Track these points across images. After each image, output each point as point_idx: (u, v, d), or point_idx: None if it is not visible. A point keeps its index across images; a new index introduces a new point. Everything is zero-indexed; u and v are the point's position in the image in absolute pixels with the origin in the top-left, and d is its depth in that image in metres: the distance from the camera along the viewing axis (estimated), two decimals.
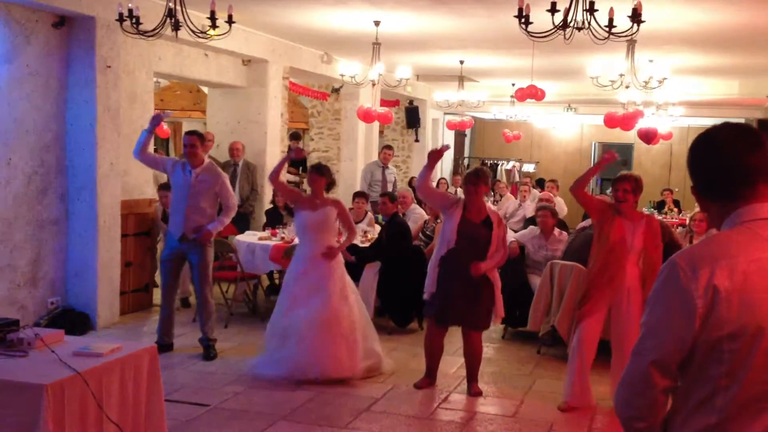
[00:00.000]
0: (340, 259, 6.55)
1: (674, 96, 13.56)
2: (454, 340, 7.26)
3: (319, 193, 6.52)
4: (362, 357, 6.41)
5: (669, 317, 1.82)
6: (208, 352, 6.91)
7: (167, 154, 16.26)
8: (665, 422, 1.91)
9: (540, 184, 14.86)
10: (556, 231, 8.07)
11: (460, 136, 21.74)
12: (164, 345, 6.90)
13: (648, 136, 12.42)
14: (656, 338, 1.84)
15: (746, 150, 1.88)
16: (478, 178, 6.05)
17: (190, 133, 7.01)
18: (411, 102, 17.55)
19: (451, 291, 6.02)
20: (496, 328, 8.07)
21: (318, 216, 6.40)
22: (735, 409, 1.78)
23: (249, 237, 8.96)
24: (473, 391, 6.18)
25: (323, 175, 6.52)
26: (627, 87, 8.92)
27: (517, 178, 19.46)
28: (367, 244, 8.47)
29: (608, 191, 19.66)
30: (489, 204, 6.91)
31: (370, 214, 9.63)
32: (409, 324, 8.22)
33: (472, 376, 6.26)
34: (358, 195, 9.58)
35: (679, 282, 1.79)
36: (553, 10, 5.09)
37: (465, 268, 5.94)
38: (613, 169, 23.02)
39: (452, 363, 6.97)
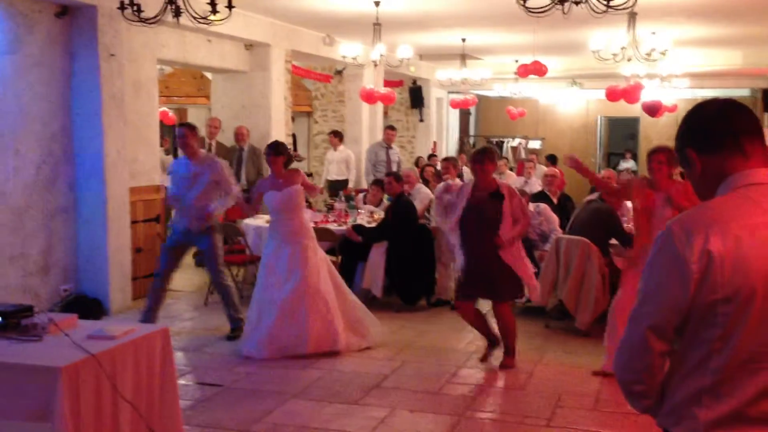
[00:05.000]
0: (313, 234, 6.71)
1: (678, 68, 13.52)
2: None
3: (279, 172, 6.61)
4: (344, 329, 6.54)
5: (665, 283, 1.87)
6: (232, 331, 7.02)
7: (173, 141, 16.33)
8: (663, 385, 1.97)
9: (551, 159, 14.84)
10: (531, 206, 8.14)
11: (464, 115, 21.72)
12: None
13: (652, 109, 12.41)
14: (653, 304, 1.90)
15: (733, 109, 1.98)
16: (484, 156, 6.12)
17: (181, 125, 7.06)
18: (414, 82, 17.54)
19: (467, 267, 6.15)
20: None
21: (285, 195, 6.53)
22: (728, 371, 1.84)
23: (257, 220, 9.03)
24: (504, 363, 6.26)
25: (281, 154, 6.61)
26: (629, 60, 8.91)
27: (523, 155, 19.45)
28: (373, 224, 8.54)
29: (619, 166, 19.65)
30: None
31: (386, 203, 9.70)
32: (417, 302, 8.29)
33: (505, 347, 6.33)
34: (375, 183, 9.66)
35: (674, 248, 1.85)
36: None
37: (474, 243, 6.05)
38: (620, 143, 23.03)
39: (461, 339, 7.06)
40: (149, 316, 6.97)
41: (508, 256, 6.07)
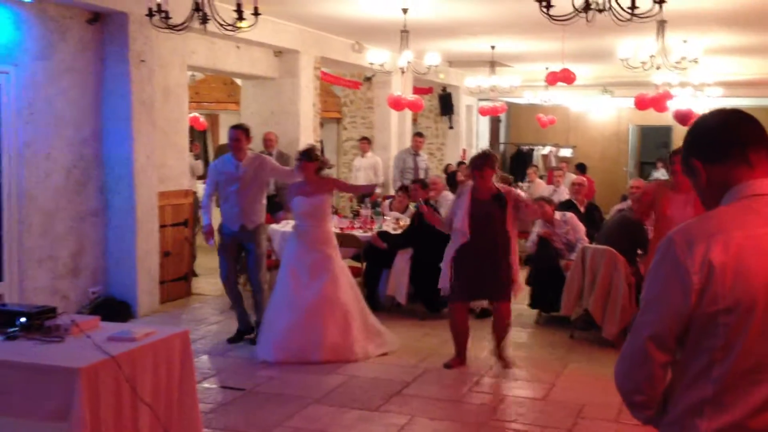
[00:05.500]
0: (336, 244, 6.74)
1: (710, 76, 13.36)
2: (484, 324, 7.32)
3: (311, 178, 6.62)
4: (362, 338, 6.58)
5: (666, 293, 1.86)
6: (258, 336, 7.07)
7: (204, 146, 16.49)
8: (665, 395, 1.95)
9: (580, 168, 14.74)
10: (558, 214, 8.12)
11: (495, 122, 21.65)
12: (247, 329, 7.15)
13: (684, 118, 12.28)
14: (654, 313, 1.88)
15: (739, 119, 1.97)
16: (484, 162, 6.18)
17: (235, 127, 7.09)
18: (444, 89, 17.53)
19: (465, 269, 6.19)
20: (530, 313, 8.11)
21: (313, 202, 6.57)
22: (730, 381, 1.82)
23: (284, 226, 9.08)
24: (506, 365, 6.33)
25: (312, 160, 6.63)
26: (658, 68, 8.84)
27: (553, 163, 19.33)
28: (399, 231, 8.55)
29: (651, 176, 19.44)
30: (519, 191, 6.95)
31: (412, 209, 9.72)
32: (441, 310, 8.26)
33: (500, 348, 6.40)
34: (401, 189, 9.69)
35: (676, 258, 1.83)
36: None
37: (481, 246, 6.11)
38: (652, 152, 22.81)
39: (484, 347, 7.02)
40: (242, 319, 7.17)
41: (512, 255, 6.18)
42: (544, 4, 5.28)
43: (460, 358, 6.49)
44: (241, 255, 7.24)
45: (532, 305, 8.14)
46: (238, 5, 5.89)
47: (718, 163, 1.94)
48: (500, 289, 6.27)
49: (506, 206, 6.12)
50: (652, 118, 17.13)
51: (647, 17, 5.26)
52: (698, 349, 1.85)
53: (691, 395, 1.87)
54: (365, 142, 13.15)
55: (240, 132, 6.96)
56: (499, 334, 6.43)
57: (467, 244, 6.16)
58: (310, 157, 6.66)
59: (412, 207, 9.13)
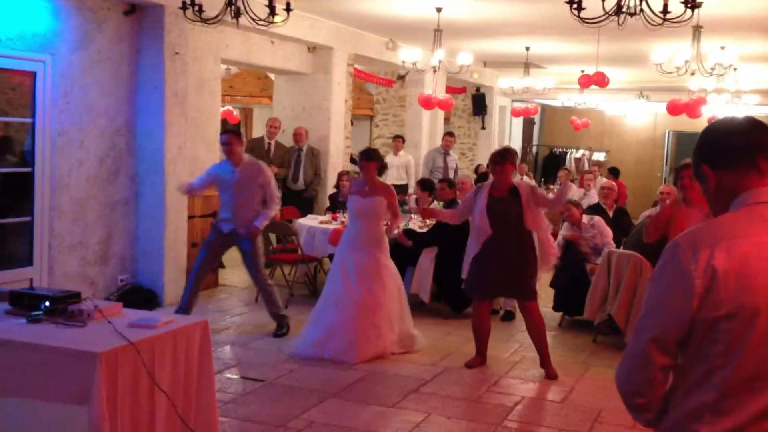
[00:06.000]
0: (386, 247, 6.70)
1: (747, 84, 13.17)
2: (508, 325, 7.30)
3: (371, 179, 6.62)
4: (395, 341, 6.61)
5: (668, 296, 1.86)
6: (279, 328, 7.13)
7: None
8: (666, 398, 1.95)
9: (613, 173, 14.62)
10: (585, 218, 8.10)
11: (528, 124, 21.56)
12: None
13: None
14: (656, 316, 1.89)
15: (750, 126, 1.97)
16: (504, 158, 6.18)
17: (226, 131, 7.09)
18: (478, 89, 17.48)
19: (485, 266, 6.20)
20: (553, 316, 8.08)
21: (368, 203, 6.54)
22: (731, 388, 1.82)
23: (310, 221, 9.16)
24: (550, 375, 6.24)
25: (372, 160, 6.62)
26: (692, 74, 8.74)
27: (586, 167, 19.19)
28: (425, 230, 8.56)
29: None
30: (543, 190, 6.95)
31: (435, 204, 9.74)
32: (465, 309, 8.26)
33: (542, 354, 6.32)
34: (424, 188, 9.68)
35: (679, 262, 1.84)
36: None
37: (501, 243, 6.12)
38: (686, 158, 22.48)
39: (505, 348, 7.02)
40: (185, 312, 6.94)
41: (532, 224, 6.17)
42: (575, 6, 5.26)
43: (480, 358, 6.50)
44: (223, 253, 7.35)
45: (556, 308, 8.11)
46: (270, 0, 5.94)
47: (728, 170, 1.94)
48: (523, 287, 6.24)
49: (521, 200, 6.10)
50: (688, 124, 16.91)
51: (679, 22, 5.22)
52: (699, 355, 1.86)
53: (691, 400, 1.87)
54: (399, 141, 13.16)
55: (232, 136, 6.90)
56: (535, 338, 6.34)
57: (489, 240, 6.16)
58: (370, 156, 6.65)
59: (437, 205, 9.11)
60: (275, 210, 7.20)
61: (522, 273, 6.20)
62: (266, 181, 6.99)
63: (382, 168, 6.82)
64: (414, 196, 10.42)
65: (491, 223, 6.14)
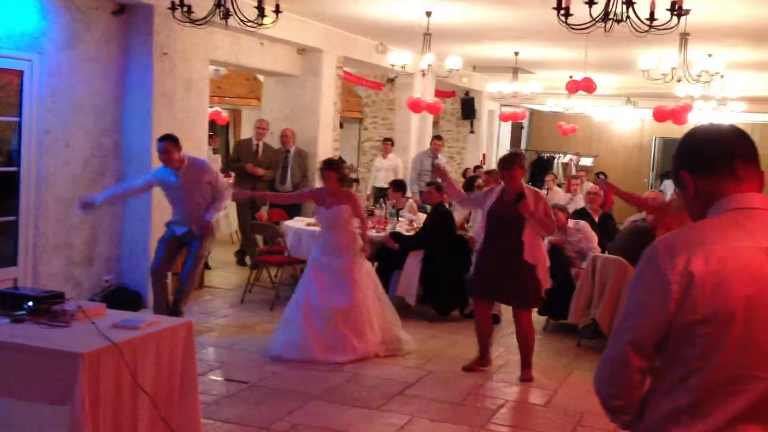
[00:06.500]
0: (360, 247, 6.77)
1: (734, 91, 13.27)
2: (494, 329, 7.30)
3: (332, 188, 6.67)
4: (378, 342, 6.65)
5: (646, 300, 1.89)
6: (174, 305, 7.07)
7: (226, 141, 16.62)
8: (643, 401, 1.97)
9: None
10: (571, 222, 8.15)
11: (517, 128, 21.62)
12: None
13: None
14: (633, 320, 1.91)
15: (729, 133, 2.00)
16: (513, 162, 6.15)
17: (163, 138, 6.80)
18: (467, 93, 17.53)
19: (484, 267, 6.25)
20: (538, 319, 8.09)
21: (332, 213, 6.65)
22: (707, 392, 1.84)
23: (297, 223, 9.16)
24: (523, 377, 6.27)
25: (333, 170, 6.67)
26: (678, 81, 8.81)
27: (573, 172, 19.27)
28: (411, 233, 8.58)
29: (661, 186, 19.32)
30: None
31: (411, 202, 9.84)
32: (450, 312, 8.29)
33: (523, 360, 6.35)
34: (394, 185, 9.74)
35: (658, 267, 1.86)
36: (590, 1, 5.10)
37: (503, 247, 6.11)
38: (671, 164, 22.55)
39: (491, 352, 7.02)
40: (164, 311, 6.94)
41: (530, 255, 6.10)
42: (562, 12, 5.30)
43: (480, 360, 6.50)
44: (179, 253, 7.27)
45: (541, 312, 8.14)
46: (260, 2, 5.95)
47: (706, 176, 1.96)
48: (517, 294, 6.20)
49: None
50: (675, 130, 17.02)
51: (666, 29, 5.26)
52: (676, 358, 1.88)
53: (668, 403, 1.89)
54: (388, 144, 13.20)
55: (168, 143, 6.74)
56: (521, 346, 6.35)
57: (488, 242, 6.20)
58: (331, 166, 6.70)
59: (427, 209, 9.16)
60: (226, 200, 7.21)
61: (516, 280, 6.14)
62: (213, 177, 7.00)
63: (343, 177, 6.87)
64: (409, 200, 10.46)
65: (487, 225, 6.18)
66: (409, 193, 12.68)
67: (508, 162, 6.20)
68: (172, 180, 6.90)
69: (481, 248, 6.33)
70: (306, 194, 7.23)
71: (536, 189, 6.38)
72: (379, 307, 6.78)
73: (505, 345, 7.23)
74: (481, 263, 6.33)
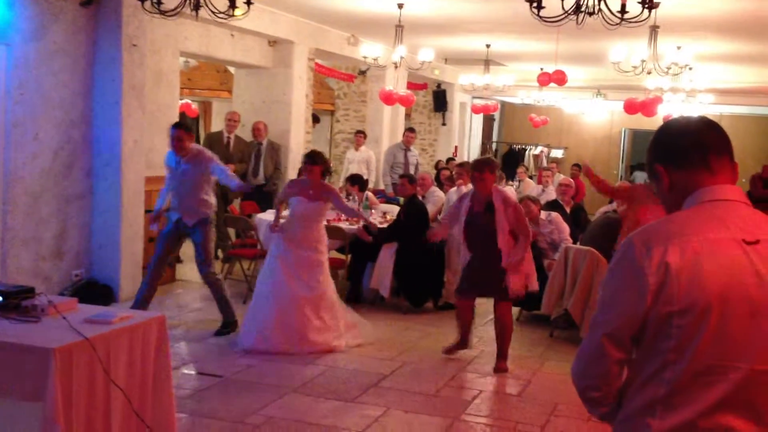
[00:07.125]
0: (326, 241, 6.82)
1: (702, 83, 13.43)
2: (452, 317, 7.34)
3: (315, 182, 6.65)
4: (342, 331, 6.72)
5: (622, 292, 1.90)
6: (224, 328, 7.03)
7: (197, 133, 16.45)
8: (620, 392, 1.99)
9: (579, 168, 14.78)
10: (543, 214, 8.22)
11: (488, 120, 21.70)
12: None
13: None
14: (610, 312, 1.92)
15: (702, 126, 2.01)
16: (485, 166, 6.19)
17: (176, 126, 6.95)
18: (439, 85, 17.55)
19: (469, 270, 6.37)
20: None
21: (313, 207, 6.64)
22: (683, 383, 1.85)
23: (270, 215, 9.09)
24: (498, 367, 6.32)
25: (317, 164, 6.64)
26: (648, 73, 8.89)
27: (544, 164, 19.39)
28: (385, 225, 8.58)
29: (633, 176, 19.53)
30: (507, 189, 7.00)
31: (370, 194, 9.85)
32: (424, 304, 8.31)
33: (498, 350, 6.40)
34: (351, 180, 9.69)
35: (634, 259, 1.87)
36: None
37: (482, 252, 6.23)
38: (642, 156, 22.82)
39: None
40: (141, 306, 6.86)
41: (507, 262, 6.19)
42: (534, 4, 5.31)
43: (458, 344, 6.63)
44: (177, 247, 7.31)
45: (514, 303, 8.18)
46: None
47: (680, 168, 1.98)
48: (496, 286, 6.30)
49: (495, 215, 6.12)
50: (644, 122, 17.20)
51: (637, 22, 5.30)
52: (653, 350, 1.89)
53: (644, 394, 1.90)
54: (360, 136, 13.18)
55: (181, 131, 6.81)
56: (497, 336, 6.42)
57: (470, 249, 6.35)
58: (315, 160, 6.66)
59: (400, 201, 9.16)
60: (235, 178, 7.16)
61: (494, 274, 6.23)
62: (216, 166, 6.96)
63: (326, 171, 6.86)
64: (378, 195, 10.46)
65: (466, 236, 6.32)
66: (381, 186, 12.71)
67: (480, 164, 6.28)
68: (174, 166, 6.92)
69: (465, 254, 6.42)
70: (290, 191, 6.99)
71: (506, 193, 6.44)
72: (332, 295, 6.82)
73: (479, 336, 7.28)
74: (466, 271, 6.42)
